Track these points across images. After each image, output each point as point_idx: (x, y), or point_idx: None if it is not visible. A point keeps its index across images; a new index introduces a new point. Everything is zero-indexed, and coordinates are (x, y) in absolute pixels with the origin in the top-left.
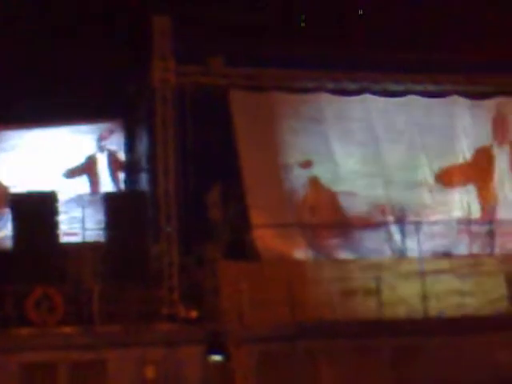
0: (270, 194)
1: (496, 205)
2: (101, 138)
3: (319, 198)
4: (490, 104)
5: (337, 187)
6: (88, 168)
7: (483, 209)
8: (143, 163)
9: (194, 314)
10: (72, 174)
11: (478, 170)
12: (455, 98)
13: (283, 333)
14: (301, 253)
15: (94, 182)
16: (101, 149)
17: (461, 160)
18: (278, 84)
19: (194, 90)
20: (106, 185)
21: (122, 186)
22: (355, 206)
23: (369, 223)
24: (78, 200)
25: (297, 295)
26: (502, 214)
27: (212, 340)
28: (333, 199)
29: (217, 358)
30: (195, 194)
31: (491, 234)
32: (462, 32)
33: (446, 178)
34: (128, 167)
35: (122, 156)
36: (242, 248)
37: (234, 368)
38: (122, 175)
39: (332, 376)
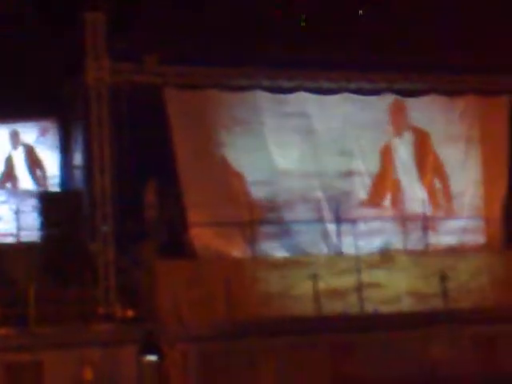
0: (207, 192)
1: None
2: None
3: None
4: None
5: (274, 185)
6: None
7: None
8: (79, 162)
9: (130, 313)
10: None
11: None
12: (389, 95)
13: (221, 331)
14: (239, 251)
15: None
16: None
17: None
18: (213, 82)
19: (129, 89)
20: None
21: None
22: (292, 204)
23: (306, 220)
24: (12, 199)
25: (235, 293)
26: (410, 206)
27: (146, 340)
28: (270, 197)
29: (151, 357)
30: (132, 193)
31: (425, 230)
32: (394, 32)
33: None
34: (64, 166)
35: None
36: (179, 247)
37: (169, 367)
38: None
39: (271, 374)
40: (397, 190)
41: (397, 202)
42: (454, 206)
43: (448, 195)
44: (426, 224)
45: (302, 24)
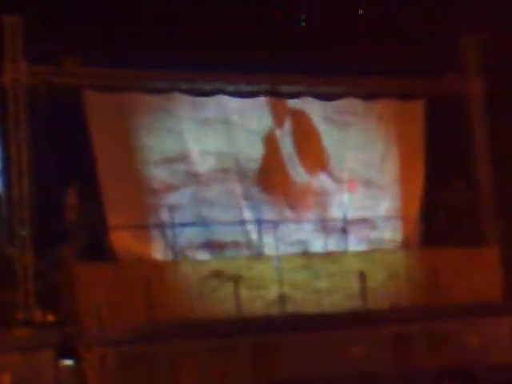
0: (128, 195)
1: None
2: None
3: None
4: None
5: (194, 188)
6: None
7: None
8: None
9: (50, 318)
10: None
11: None
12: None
13: (142, 334)
14: (159, 253)
15: None
16: None
17: None
18: (132, 84)
19: (47, 91)
20: None
21: None
22: (213, 206)
23: (227, 222)
24: None
25: (156, 296)
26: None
27: (63, 344)
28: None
29: (68, 362)
30: (51, 196)
31: (345, 232)
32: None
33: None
34: None
35: None
36: (99, 250)
37: (86, 372)
38: None
39: (193, 377)
40: (320, 193)
41: (320, 205)
42: (373, 207)
43: (367, 197)
44: (345, 225)
45: (302, 24)
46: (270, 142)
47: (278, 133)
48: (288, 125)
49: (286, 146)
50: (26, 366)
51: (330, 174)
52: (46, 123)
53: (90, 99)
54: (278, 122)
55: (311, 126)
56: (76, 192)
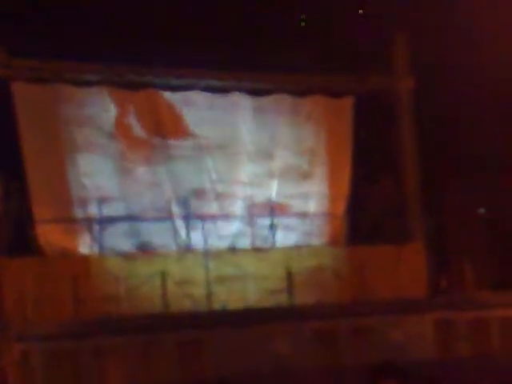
0: (55, 188)
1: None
2: None
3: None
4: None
5: (122, 182)
6: None
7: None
8: None
9: None
10: None
11: None
12: (237, 94)
13: (67, 330)
14: (86, 248)
15: None
16: None
17: (243, 155)
18: (62, 77)
19: None
20: None
21: None
22: (141, 201)
23: (155, 217)
24: None
25: (82, 291)
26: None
27: None
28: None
29: None
30: None
31: (273, 228)
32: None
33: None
34: None
35: None
36: (25, 244)
37: (5, 367)
38: None
39: (119, 373)
40: (246, 187)
41: (246, 199)
42: (301, 204)
43: (295, 193)
44: (273, 221)
45: (303, 24)
46: None
47: None
48: None
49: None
50: None
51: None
52: None
53: (18, 90)
54: None
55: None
56: (1, 184)
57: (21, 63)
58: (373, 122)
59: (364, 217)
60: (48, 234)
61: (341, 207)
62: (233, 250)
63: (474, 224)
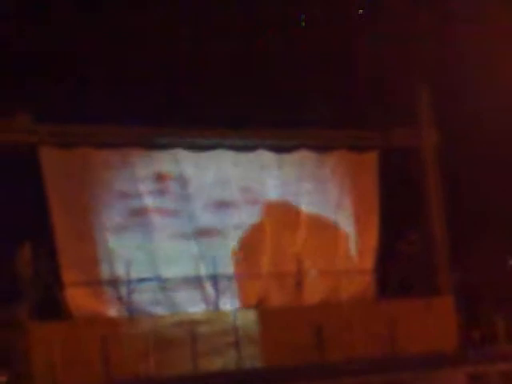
0: (83, 251)
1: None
2: None
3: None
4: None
5: (150, 244)
6: None
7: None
8: None
9: (2, 378)
10: None
11: None
12: (262, 151)
13: None
14: (114, 310)
15: None
16: None
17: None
18: (89, 140)
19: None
20: None
21: None
22: (169, 263)
23: (183, 278)
24: None
25: (111, 353)
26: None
27: None
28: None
29: None
30: (4, 252)
31: (300, 284)
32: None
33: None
34: None
35: None
36: (53, 307)
37: None
38: None
39: None
40: (272, 245)
41: (272, 257)
42: (327, 260)
43: (321, 249)
44: (300, 279)
45: (303, 24)
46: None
47: None
48: None
49: None
50: None
51: None
52: (2, 179)
53: (44, 155)
54: None
55: None
56: (30, 248)
57: (46, 128)
58: (398, 176)
59: (393, 271)
60: (76, 297)
61: (369, 262)
62: (261, 308)
63: (504, 276)
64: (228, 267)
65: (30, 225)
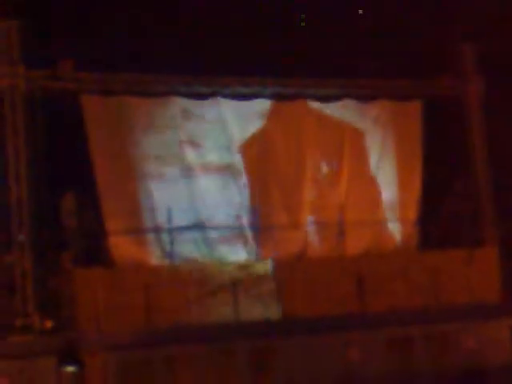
0: (125, 200)
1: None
2: None
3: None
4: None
5: (192, 192)
6: None
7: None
8: None
9: (49, 324)
10: None
11: None
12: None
13: (140, 339)
14: (156, 257)
15: None
16: None
17: (310, 161)
18: (130, 88)
19: (44, 95)
20: None
21: None
22: (210, 210)
23: (224, 227)
24: None
25: (153, 301)
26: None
27: (65, 350)
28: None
29: (70, 368)
30: (49, 202)
31: (341, 235)
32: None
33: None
34: None
35: None
36: (97, 255)
37: (89, 377)
38: None
39: (190, 381)
40: (315, 195)
41: (314, 207)
42: (369, 210)
43: (364, 199)
44: (342, 229)
45: (302, 24)
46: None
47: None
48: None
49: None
50: (27, 372)
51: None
52: (44, 128)
53: (87, 103)
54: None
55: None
56: (74, 197)
57: (88, 76)
58: (443, 125)
59: (436, 222)
60: (119, 245)
61: (412, 212)
62: (302, 258)
63: None
64: (270, 217)
65: (74, 173)
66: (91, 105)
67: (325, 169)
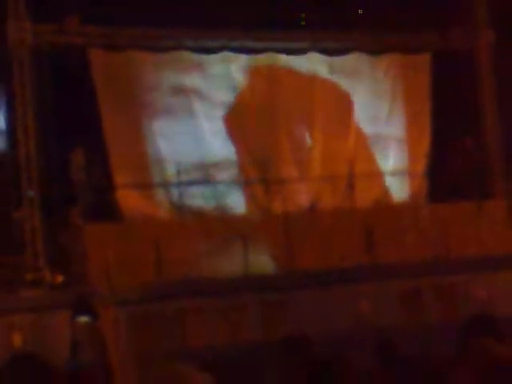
0: (133, 154)
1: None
2: None
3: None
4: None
5: (201, 147)
6: None
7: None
8: (2, 126)
9: (59, 278)
10: None
11: None
12: (313, 54)
13: (151, 293)
14: (165, 212)
15: None
16: None
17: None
18: (137, 43)
19: (51, 50)
20: None
21: None
22: (218, 165)
23: (233, 181)
24: None
25: (164, 255)
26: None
27: (79, 302)
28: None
29: (84, 319)
30: (58, 157)
31: (351, 187)
32: None
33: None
34: None
35: None
36: (106, 210)
37: (103, 328)
38: None
39: (201, 335)
40: (325, 148)
41: (324, 160)
42: (378, 163)
43: (374, 152)
44: (352, 181)
45: (302, 23)
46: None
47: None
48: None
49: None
50: (39, 326)
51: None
52: (52, 83)
53: (95, 58)
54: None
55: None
56: (83, 152)
57: (96, 30)
58: (452, 79)
59: (445, 175)
60: (128, 199)
61: (420, 166)
62: (312, 210)
63: None
64: (280, 170)
65: (82, 128)
66: (98, 59)
67: (334, 122)
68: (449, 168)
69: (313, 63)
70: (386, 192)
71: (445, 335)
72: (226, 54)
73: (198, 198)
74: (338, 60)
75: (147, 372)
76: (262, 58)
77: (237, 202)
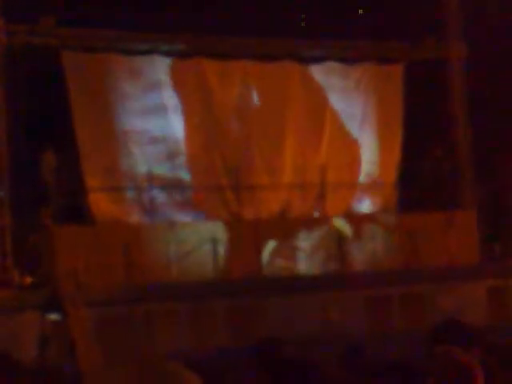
0: (106, 157)
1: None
2: None
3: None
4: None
5: (173, 152)
6: None
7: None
8: None
9: (28, 279)
10: None
11: None
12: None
13: (120, 296)
14: (136, 216)
15: None
16: None
17: (292, 123)
18: (112, 45)
19: (25, 51)
20: None
21: None
22: (191, 171)
23: (205, 187)
24: None
25: (133, 259)
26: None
27: (46, 304)
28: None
29: (54, 316)
30: (28, 157)
31: (322, 196)
32: None
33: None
34: None
35: None
36: (77, 212)
37: (72, 326)
38: None
39: (169, 339)
40: (296, 156)
41: (296, 168)
42: (350, 171)
43: (345, 162)
44: (323, 190)
45: (302, 24)
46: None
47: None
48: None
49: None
50: (7, 327)
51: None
52: (25, 83)
53: (67, 60)
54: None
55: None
56: (54, 153)
57: (69, 32)
58: (424, 89)
59: (415, 185)
60: (99, 203)
61: (392, 175)
62: (283, 218)
63: None
64: (251, 177)
65: (54, 129)
66: (72, 61)
67: (306, 130)
68: (419, 177)
69: (287, 71)
70: (355, 201)
71: (411, 342)
72: (200, 59)
73: (169, 204)
74: (311, 68)
75: (137, 370)
76: (235, 64)
77: (208, 208)
